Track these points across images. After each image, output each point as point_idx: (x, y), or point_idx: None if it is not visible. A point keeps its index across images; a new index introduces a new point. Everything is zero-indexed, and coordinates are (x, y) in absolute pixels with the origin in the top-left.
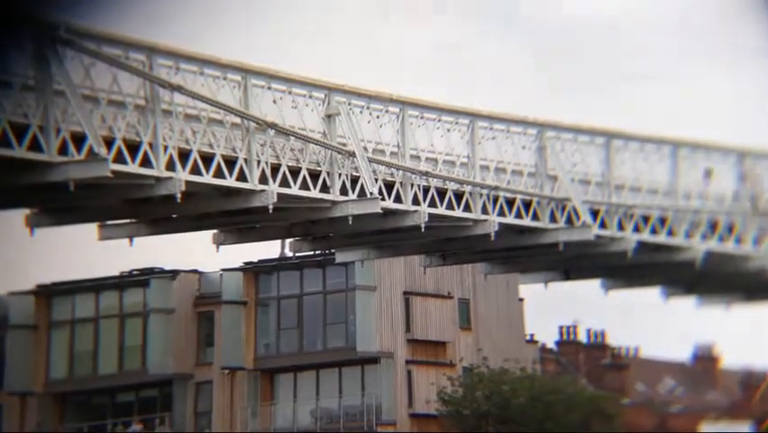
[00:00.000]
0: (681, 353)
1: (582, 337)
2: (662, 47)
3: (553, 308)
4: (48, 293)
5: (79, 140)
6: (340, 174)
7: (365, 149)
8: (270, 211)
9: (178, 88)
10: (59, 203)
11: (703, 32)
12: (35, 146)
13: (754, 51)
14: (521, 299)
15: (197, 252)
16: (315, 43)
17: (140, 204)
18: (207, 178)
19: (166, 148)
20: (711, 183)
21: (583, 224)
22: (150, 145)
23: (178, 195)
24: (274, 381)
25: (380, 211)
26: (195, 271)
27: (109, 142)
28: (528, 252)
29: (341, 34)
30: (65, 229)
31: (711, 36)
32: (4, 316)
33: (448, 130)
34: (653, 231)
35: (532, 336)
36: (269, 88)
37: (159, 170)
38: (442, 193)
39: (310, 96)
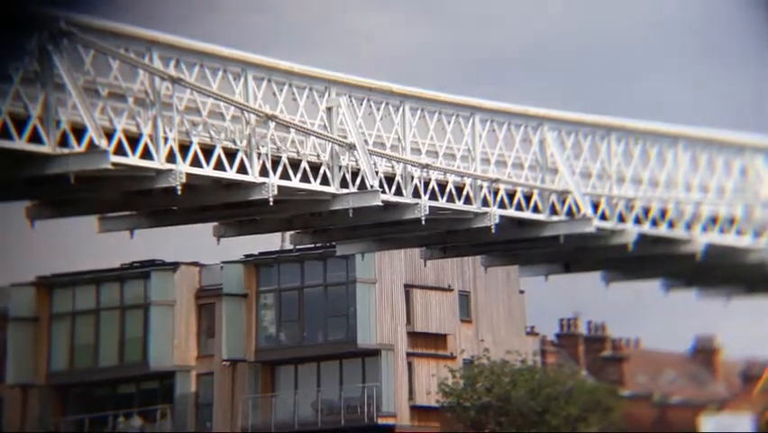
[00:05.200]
0: (682, 345)
1: (583, 330)
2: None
3: (553, 301)
4: (49, 285)
5: (79, 132)
6: (340, 167)
7: (365, 141)
8: (271, 204)
9: (178, 80)
10: (59, 195)
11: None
12: (35, 138)
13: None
14: (522, 292)
15: (198, 244)
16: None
17: (140, 196)
18: (208, 170)
19: (166, 140)
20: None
21: (584, 216)
22: (151, 137)
23: (179, 187)
24: (275, 373)
25: (381, 204)
26: (195, 264)
27: (109, 135)
28: (529, 244)
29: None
30: (65, 221)
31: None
32: (5, 308)
33: (449, 122)
34: (654, 223)
35: (532, 328)
36: (270, 81)
37: (159, 163)
38: (442, 186)
39: (310, 89)
